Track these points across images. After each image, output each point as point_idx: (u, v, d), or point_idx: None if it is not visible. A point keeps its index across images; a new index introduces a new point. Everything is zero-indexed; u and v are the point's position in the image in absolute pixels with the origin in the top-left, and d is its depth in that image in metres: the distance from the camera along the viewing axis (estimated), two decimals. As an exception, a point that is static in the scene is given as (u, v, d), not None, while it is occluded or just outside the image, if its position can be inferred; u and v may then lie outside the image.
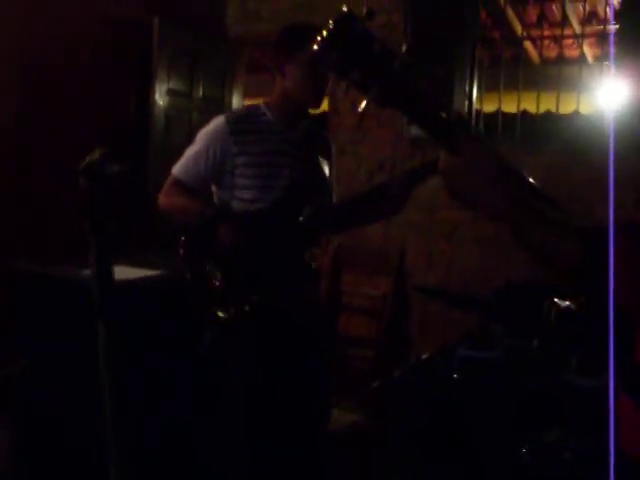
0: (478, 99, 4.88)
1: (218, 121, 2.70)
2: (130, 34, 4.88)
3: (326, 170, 2.89)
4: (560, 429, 2.31)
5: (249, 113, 2.77)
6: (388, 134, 4.80)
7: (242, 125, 2.69)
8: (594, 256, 1.14)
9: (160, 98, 4.98)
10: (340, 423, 4.22)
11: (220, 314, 2.59)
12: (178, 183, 2.72)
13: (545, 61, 6.26)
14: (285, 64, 2.67)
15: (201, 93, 5.30)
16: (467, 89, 4.79)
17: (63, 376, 3.06)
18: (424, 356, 3.34)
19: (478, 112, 4.87)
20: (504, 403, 2.89)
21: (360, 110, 1.26)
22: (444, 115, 1.24)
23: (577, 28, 5.62)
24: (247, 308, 2.56)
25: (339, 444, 3.83)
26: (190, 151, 2.73)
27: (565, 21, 5.35)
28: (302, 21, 2.87)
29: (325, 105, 4.93)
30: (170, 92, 5.07)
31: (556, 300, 1.86)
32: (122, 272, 3.07)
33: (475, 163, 1.23)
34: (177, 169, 2.74)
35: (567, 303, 2.03)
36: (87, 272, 2.88)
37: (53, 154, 4.34)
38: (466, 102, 4.79)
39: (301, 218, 2.69)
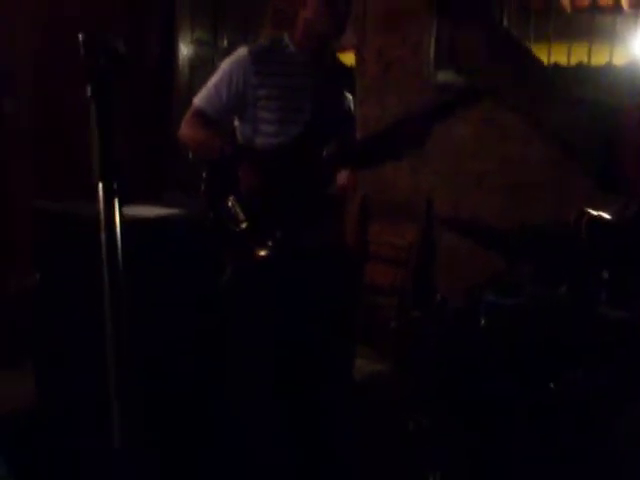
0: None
1: (241, 51, 2.69)
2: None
3: (350, 104, 2.87)
4: (588, 366, 2.29)
5: (272, 44, 2.75)
6: (414, 82, 4.73)
7: (264, 56, 2.67)
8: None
9: (184, 47, 4.95)
10: (364, 372, 4.23)
11: (242, 250, 2.59)
12: (199, 113, 2.72)
13: (577, 9, 6.10)
14: None
15: (225, 43, 5.27)
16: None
17: (75, 312, 3.07)
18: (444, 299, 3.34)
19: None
20: (530, 346, 2.88)
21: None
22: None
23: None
24: (270, 244, 2.56)
25: (362, 393, 3.84)
26: (212, 81, 2.72)
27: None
28: None
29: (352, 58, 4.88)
30: (194, 41, 5.04)
31: (587, 210, 1.80)
32: (140, 210, 3.10)
33: None
34: (198, 98, 2.74)
35: (600, 213, 1.98)
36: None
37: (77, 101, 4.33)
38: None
39: (324, 152, 2.68)
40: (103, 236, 1.14)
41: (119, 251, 1.15)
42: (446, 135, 4.66)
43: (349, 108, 2.89)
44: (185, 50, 4.96)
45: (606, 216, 2.11)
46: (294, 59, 2.72)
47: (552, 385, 2.35)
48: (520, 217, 4.19)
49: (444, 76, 4.62)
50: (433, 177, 4.71)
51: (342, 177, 3.00)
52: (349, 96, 2.89)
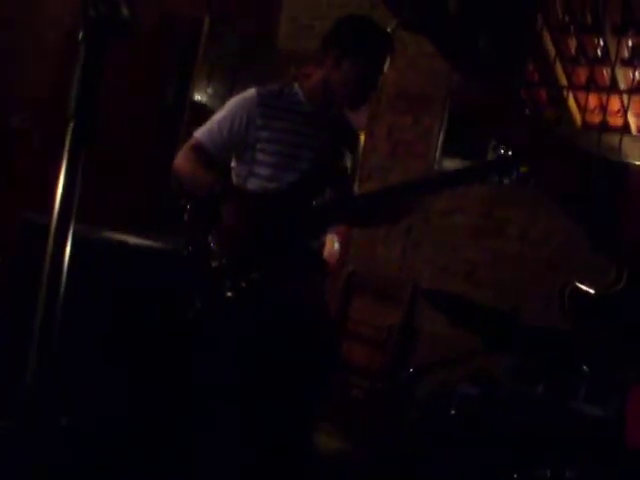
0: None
1: (249, 92, 2.66)
2: (180, 28, 4.90)
3: (348, 162, 2.84)
4: (557, 461, 2.21)
5: (281, 90, 2.73)
6: (419, 165, 4.75)
7: (271, 100, 2.65)
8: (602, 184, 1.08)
9: (198, 94, 4.99)
10: (326, 448, 4.11)
11: (213, 287, 2.53)
12: (198, 146, 2.68)
13: (587, 126, 6.19)
14: (346, 58, 2.63)
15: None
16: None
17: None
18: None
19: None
20: (498, 438, 2.80)
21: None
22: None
23: (625, 96, 5.54)
24: (244, 284, 2.49)
25: (324, 471, 3.72)
26: (216, 116, 2.70)
27: (612, 86, 5.30)
28: (365, 17, 2.79)
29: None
30: (209, 91, 5.08)
31: (573, 281, 1.75)
32: (128, 238, 3.08)
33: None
34: (200, 132, 2.70)
35: (584, 286, 1.92)
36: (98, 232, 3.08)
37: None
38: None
39: (314, 203, 2.64)
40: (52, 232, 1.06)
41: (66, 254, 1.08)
42: (442, 223, 4.66)
43: (348, 166, 2.86)
44: (199, 96, 4.99)
45: (590, 290, 2.06)
46: (301, 108, 2.70)
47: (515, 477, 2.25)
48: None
49: (450, 163, 4.64)
50: (423, 261, 4.68)
51: (332, 252, 2.98)
52: (350, 155, 2.87)
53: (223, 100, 5.15)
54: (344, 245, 5.05)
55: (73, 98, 0.96)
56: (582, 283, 1.98)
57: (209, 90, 5.09)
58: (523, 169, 2.61)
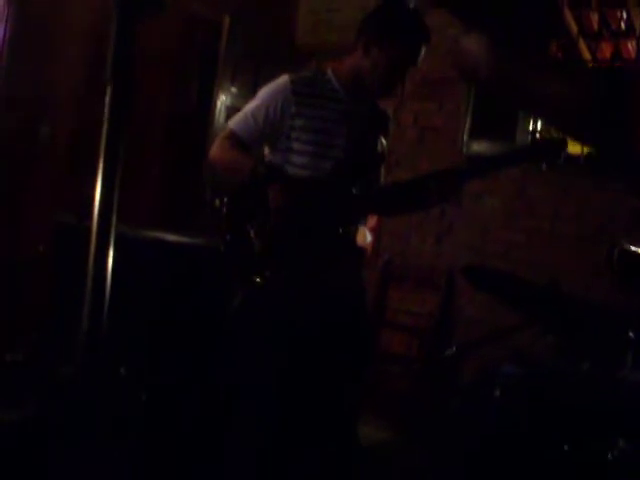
0: (541, 136, 4.76)
1: (282, 79, 2.64)
2: (200, 30, 4.93)
3: (384, 149, 2.83)
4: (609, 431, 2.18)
5: (314, 77, 2.71)
6: (447, 150, 4.73)
7: (305, 87, 2.63)
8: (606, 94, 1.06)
9: (223, 96, 5.01)
10: (371, 440, 4.10)
11: (256, 276, 2.53)
12: (233, 136, 2.66)
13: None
14: (373, 45, 2.62)
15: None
16: (531, 124, 4.69)
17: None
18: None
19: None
20: (547, 416, 2.77)
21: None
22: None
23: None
24: (285, 273, 2.49)
25: (369, 461, 3.71)
26: (249, 106, 2.68)
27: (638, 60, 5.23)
28: (402, 5, 2.74)
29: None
30: (232, 93, 5.10)
31: (621, 242, 1.73)
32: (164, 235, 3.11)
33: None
34: (234, 122, 2.69)
35: (633, 246, 1.89)
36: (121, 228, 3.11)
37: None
38: (529, 137, 4.69)
39: (354, 190, 2.63)
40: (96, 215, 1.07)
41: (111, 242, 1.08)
42: (474, 206, 4.63)
43: (383, 153, 2.85)
44: (223, 98, 5.01)
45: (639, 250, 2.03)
46: (335, 95, 2.68)
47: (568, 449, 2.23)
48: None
49: (478, 146, 4.61)
50: (458, 246, 4.65)
51: (365, 243, 2.97)
52: (384, 141, 2.85)
53: (247, 99, 5.19)
54: (376, 235, 5.03)
55: (109, 64, 0.97)
56: (630, 244, 1.95)
57: (233, 89, 5.10)
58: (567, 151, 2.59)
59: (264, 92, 2.67)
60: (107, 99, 0.99)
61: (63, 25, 4.22)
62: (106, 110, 0.99)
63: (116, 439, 2.52)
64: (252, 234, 2.53)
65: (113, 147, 1.03)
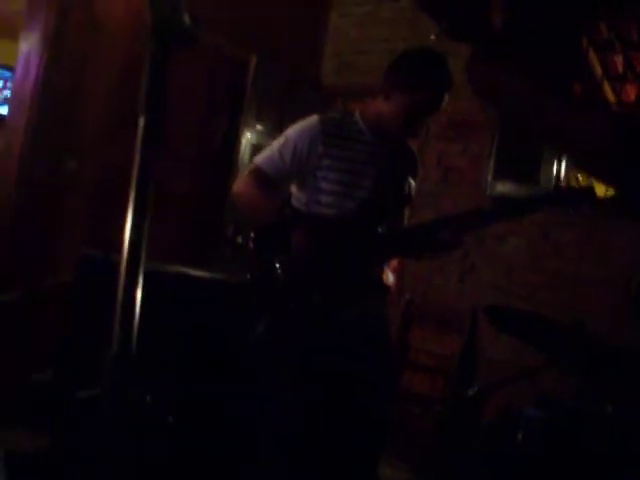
0: (565, 179, 4.74)
1: (311, 119, 2.67)
2: (227, 67, 5.01)
3: (412, 190, 2.84)
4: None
5: (342, 118, 2.74)
6: (471, 190, 4.74)
7: (334, 128, 2.66)
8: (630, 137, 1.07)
9: (248, 133, 5.07)
10: (393, 482, 4.07)
11: (278, 308, 2.55)
12: (259, 173, 2.68)
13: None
14: (394, 90, 2.65)
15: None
16: (555, 168, 4.68)
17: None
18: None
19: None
20: (568, 460, 2.74)
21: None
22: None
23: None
24: (307, 305, 2.51)
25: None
26: (277, 143, 2.70)
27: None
28: (427, 51, 2.80)
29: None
30: (257, 130, 5.16)
31: None
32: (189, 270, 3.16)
33: None
34: (260, 159, 2.71)
35: None
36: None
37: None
38: (552, 181, 4.68)
39: (380, 230, 2.64)
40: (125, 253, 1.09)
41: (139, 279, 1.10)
42: (498, 247, 4.62)
43: (409, 193, 2.86)
44: (248, 135, 5.07)
45: None
46: (362, 137, 2.70)
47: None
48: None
49: (502, 187, 4.62)
50: (482, 286, 4.64)
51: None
52: (412, 182, 2.87)
53: (272, 137, 5.25)
54: (398, 276, 5.03)
55: (142, 97, 0.99)
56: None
57: (258, 127, 5.16)
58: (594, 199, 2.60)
59: (293, 130, 2.70)
60: (139, 132, 1.01)
61: (96, 60, 4.31)
62: (138, 143, 1.01)
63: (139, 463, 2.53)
64: (278, 268, 2.55)
65: (144, 181, 1.05)
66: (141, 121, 1.00)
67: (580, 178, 4.51)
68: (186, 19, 1.03)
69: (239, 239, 3.36)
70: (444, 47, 4.23)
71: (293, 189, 2.74)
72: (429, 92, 2.62)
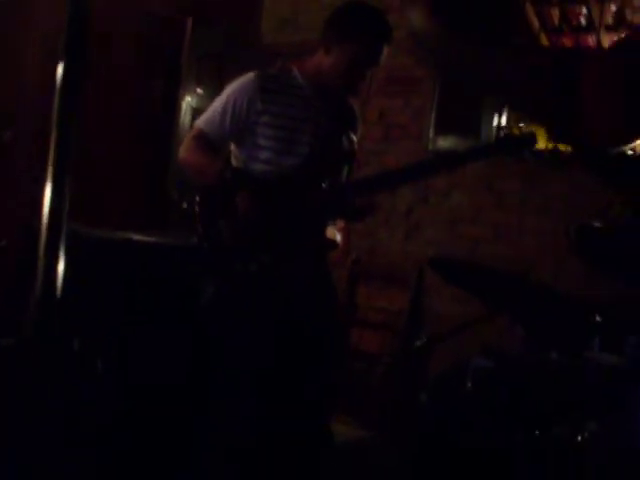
0: (507, 131, 4.75)
1: (248, 76, 2.65)
2: (162, 32, 4.90)
3: (354, 145, 2.83)
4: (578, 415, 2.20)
5: (280, 73, 2.72)
6: (414, 146, 4.74)
7: (271, 84, 2.64)
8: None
9: (188, 96, 4.99)
10: (346, 438, 4.09)
11: (225, 270, 2.53)
12: (201, 136, 2.67)
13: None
14: (334, 44, 2.63)
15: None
16: (496, 119, 4.68)
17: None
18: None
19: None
20: (520, 405, 2.78)
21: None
22: None
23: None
24: (254, 267, 2.49)
25: (342, 460, 3.71)
26: (216, 104, 2.68)
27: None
28: (365, 4, 2.76)
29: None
30: (197, 94, 5.08)
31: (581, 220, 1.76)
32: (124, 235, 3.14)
33: None
34: (201, 121, 2.70)
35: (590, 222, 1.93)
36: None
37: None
38: (494, 133, 4.69)
39: (324, 186, 2.63)
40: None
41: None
42: (442, 202, 4.65)
43: (352, 149, 2.85)
44: (189, 99, 4.99)
45: (596, 224, 2.08)
46: (300, 92, 2.68)
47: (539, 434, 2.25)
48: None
49: (444, 142, 4.63)
50: (426, 243, 4.67)
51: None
52: (353, 137, 2.85)
53: (212, 100, 5.18)
54: (345, 235, 5.03)
55: (62, 42, 0.95)
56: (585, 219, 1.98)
57: (199, 91, 5.08)
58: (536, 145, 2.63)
59: (230, 89, 2.67)
60: (58, 78, 0.96)
61: (26, 30, 4.18)
62: (57, 93, 0.96)
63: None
64: (223, 230, 2.54)
65: (64, 135, 1.00)
66: (59, 68, 0.95)
67: (522, 127, 4.54)
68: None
69: (184, 204, 3.33)
70: (387, 3, 4.23)
71: (232, 147, 2.72)
72: (367, 44, 2.61)
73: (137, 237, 3.29)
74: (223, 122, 2.63)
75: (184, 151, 2.71)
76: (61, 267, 1.05)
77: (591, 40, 5.55)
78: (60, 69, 0.96)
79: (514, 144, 2.68)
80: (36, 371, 0.98)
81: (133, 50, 4.74)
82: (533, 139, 2.61)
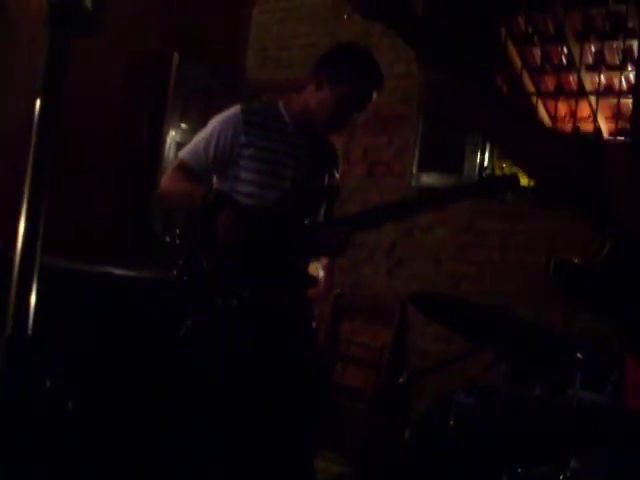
0: (489, 168, 4.79)
1: (233, 109, 2.66)
2: (149, 66, 4.94)
3: (335, 182, 2.85)
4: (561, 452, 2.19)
5: (265, 108, 2.74)
6: (397, 182, 4.77)
7: (256, 118, 2.66)
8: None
9: (172, 131, 5.01)
10: (327, 474, 4.07)
11: (205, 303, 2.52)
12: (183, 167, 2.68)
13: (559, 134, 6.24)
14: (326, 81, 2.66)
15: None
16: (479, 157, 4.71)
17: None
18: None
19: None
20: (503, 441, 2.77)
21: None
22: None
23: (593, 100, 5.59)
24: (235, 302, 2.48)
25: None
26: (200, 136, 2.70)
27: (580, 92, 5.36)
28: (362, 48, 2.82)
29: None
30: (181, 128, 5.10)
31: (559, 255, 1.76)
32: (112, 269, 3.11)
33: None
34: (184, 152, 2.71)
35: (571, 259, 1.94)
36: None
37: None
38: (476, 171, 4.71)
39: (306, 222, 2.64)
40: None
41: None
42: (425, 237, 4.67)
43: (335, 186, 2.87)
44: (173, 134, 5.01)
45: (574, 260, 2.09)
46: (284, 128, 2.70)
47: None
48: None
49: (427, 179, 4.66)
50: (409, 278, 4.67)
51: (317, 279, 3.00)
52: (336, 174, 2.88)
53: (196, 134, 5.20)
54: (329, 271, 5.03)
55: (40, 78, 0.96)
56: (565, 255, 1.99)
57: (183, 126, 5.11)
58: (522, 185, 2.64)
59: (216, 121, 2.69)
60: (36, 114, 0.96)
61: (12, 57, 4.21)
62: (35, 127, 0.97)
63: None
64: (203, 262, 2.53)
65: (40, 168, 1.00)
66: (37, 108, 0.96)
67: (505, 167, 4.59)
68: (88, 4, 0.99)
69: (167, 238, 3.32)
70: (370, 42, 4.27)
71: (215, 180, 2.72)
72: (360, 88, 2.64)
73: (117, 271, 3.27)
74: (207, 152, 2.64)
75: (166, 180, 2.72)
76: (33, 299, 1.04)
77: (572, 79, 5.65)
78: (37, 106, 0.97)
79: (497, 186, 2.71)
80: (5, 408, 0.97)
81: (119, 83, 4.77)
82: (516, 181, 2.63)
